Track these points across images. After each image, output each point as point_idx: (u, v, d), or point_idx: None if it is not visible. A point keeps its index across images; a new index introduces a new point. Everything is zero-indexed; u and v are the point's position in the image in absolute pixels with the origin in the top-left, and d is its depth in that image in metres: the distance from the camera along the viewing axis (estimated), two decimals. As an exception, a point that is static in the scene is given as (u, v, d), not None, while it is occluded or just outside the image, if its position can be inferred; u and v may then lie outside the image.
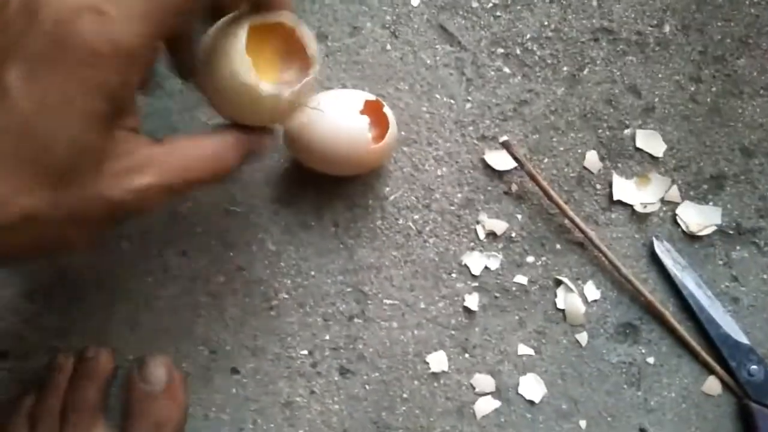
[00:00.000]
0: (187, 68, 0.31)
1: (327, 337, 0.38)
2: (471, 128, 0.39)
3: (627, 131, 0.39)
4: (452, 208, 0.38)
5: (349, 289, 0.38)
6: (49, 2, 0.22)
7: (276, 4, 0.28)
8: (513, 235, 0.38)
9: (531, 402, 0.37)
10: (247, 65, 0.26)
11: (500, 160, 0.38)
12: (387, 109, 0.34)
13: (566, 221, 0.38)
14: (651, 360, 0.38)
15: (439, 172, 0.38)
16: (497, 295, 0.38)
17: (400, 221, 0.38)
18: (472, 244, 0.38)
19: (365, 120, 0.33)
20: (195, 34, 0.29)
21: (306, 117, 0.33)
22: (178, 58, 0.31)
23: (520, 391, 0.37)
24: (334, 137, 0.33)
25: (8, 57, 0.22)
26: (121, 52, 0.22)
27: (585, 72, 0.39)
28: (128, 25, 0.22)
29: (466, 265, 0.38)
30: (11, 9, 0.22)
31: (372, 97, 0.34)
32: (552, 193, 0.37)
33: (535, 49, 0.39)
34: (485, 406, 0.37)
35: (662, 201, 0.38)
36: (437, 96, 0.39)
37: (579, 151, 0.39)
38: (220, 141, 0.28)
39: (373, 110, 0.34)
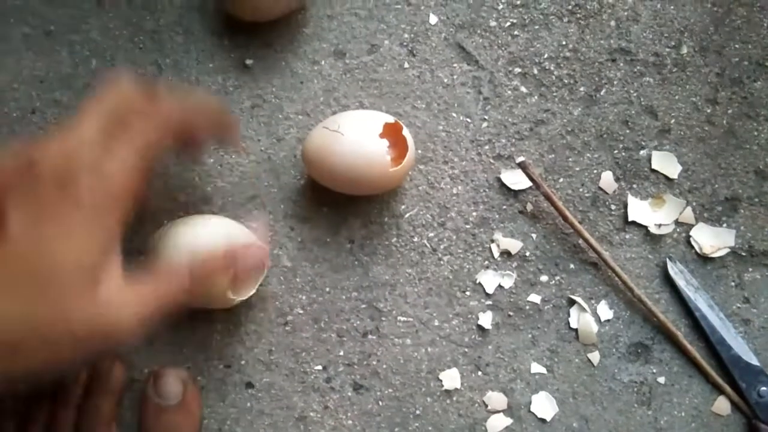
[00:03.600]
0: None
1: (341, 353, 0.38)
2: (487, 147, 0.39)
3: (643, 152, 0.39)
4: (467, 226, 0.39)
5: (363, 306, 0.38)
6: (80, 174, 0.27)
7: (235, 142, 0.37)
8: (527, 254, 0.38)
9: (543, 420, 0.38)
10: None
11: (516, 180, 0.38)
12: (406, 132, 0.35)
13: (580, 241, 0.38)
14: (662, 380, 0.38)
15: (454, 191, 0.39)
16: (511, 313, 0.38)
17: (416, 239, 0.38)
18: (486, 262, 0.38)
19: (384, 143, 0.33)
20: None
21: (326, 139, 0.33)
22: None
23: (532, 409, 0.38)
24: (353, 160, 0.33)
25: (17, 203, 0.26)
26: (112, 197, 0.27)
27: (602, 92, 0.39)
28: (117, 179, 0.28)
29: (480, 284, 0.38)
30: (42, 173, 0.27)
31: (391, 120, 0.34)
32: (567, 213, 0.37)
33: (552, 68, 0.39)
34: (497, 423, 0.38)
35: (676, 222, 0.39)
36: (454, 114, 0.39)
37: (594, 171, 0.39)
38: (177, 274, 0.30)
39: (392, 132, 0.34)
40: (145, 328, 0.28)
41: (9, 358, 0.25)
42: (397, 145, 0.35)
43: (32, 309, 0.25)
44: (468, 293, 0.38)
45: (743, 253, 0.39)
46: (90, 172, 0.27)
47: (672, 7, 0.40)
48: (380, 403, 0.38)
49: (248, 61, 0.39)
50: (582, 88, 0.39)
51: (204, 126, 0.33)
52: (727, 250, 0.39)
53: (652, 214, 0.39)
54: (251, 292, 0.35)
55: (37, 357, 0.26)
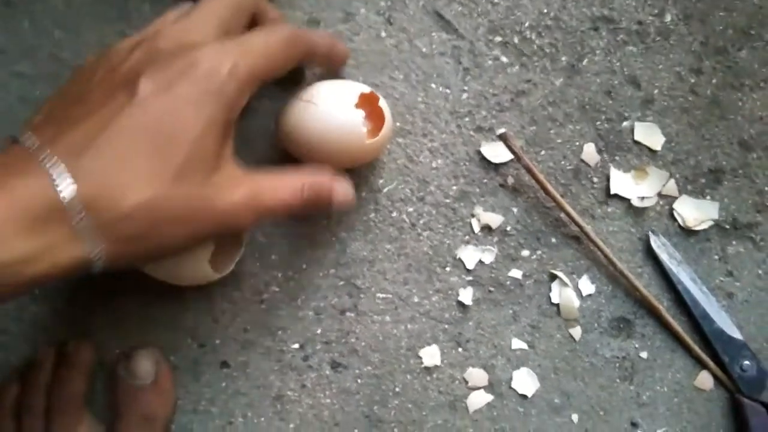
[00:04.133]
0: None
1: (319, 331, 0.37)
2: (467, 119, 0.38)
3: (626, 123, 0.38)
4: (447, 200, 0.38)
5: (341, 283, 0.37)
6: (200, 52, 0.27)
7: (338, 69, 0.37)
8: (508, 228, 0.38)
9: (524, 396, 0.37)
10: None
11: (496, 152, 0.37)
12: (383, 102, 0.33)
13: (562, 215, 0.37)
14: (644, 354, 0.38)
15: (434, 164, 0.38)
16: (491, 289, 0.37)
17: (394, 214, 0.38)
18: (466, 237, 0.38)
19: (360, 114, 0.32)
20: None
21: (300, 110, 0.32)
22: None
23: (513, 386, 0.37)
24: (328, 132, 0.32)
25: (143, 71, 0.26)
26: (238, 74, 0.27)
27: (584, 62, 0.38)
28: (245, 58, 0.27)
29: (460, 259, 0.37)
30: (162, 42, 0.28)
31: (367, 90, 0.33)
32: (548, 186, 0.37)
33: (533, 38, 0.38)
34: (478, 400, 0.37)
35: (659, 195, 0.38)
36: (433, 85, 0.38)
37: (577, 143, 0.38)
38: (300, 177, 0.30)
39: (368, 103, 0.33)
40: (255, 221, 0.28)
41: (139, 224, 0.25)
42: (374, 116, 0.34)
43: (161, 166, 0.25)
44: (448, 269, 0.37)
45: (726, 226, 0.38)
46: (212, 50, 0.27)
47: (656, -25, 0.39)
48: (359, 381, 0.37)
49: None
50: (564, 58, 0.38)
51: (323, 45, 0.32)
52: (711, 222, 0.38)
53: (634, 186, 0.38)
54: (230, 269, 0.34)
55: (171, 231, 0.26)
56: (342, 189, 0.31)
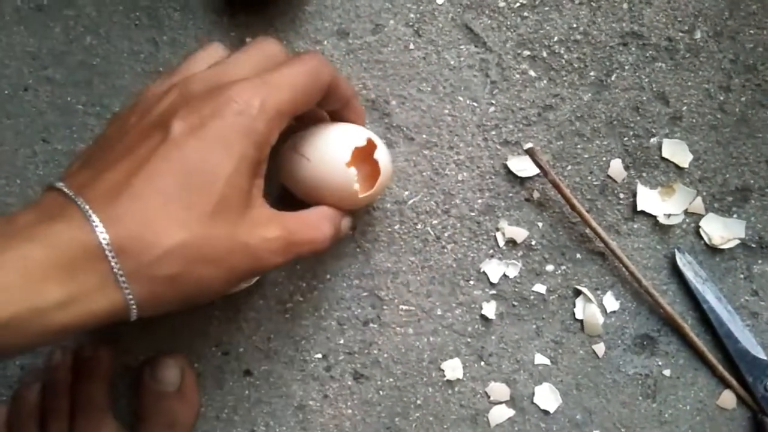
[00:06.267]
0: None
1: (341, 342, 0.37)
2: (494, 132, 0.38)
3: (653, 140, 0.38)
4: (472, 213, 0.38)
5: (365, 294, 0.37)
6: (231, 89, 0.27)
7: (354, 120, 0.34)
8: (533, 243, 0.38)
9: (546, 412, 0.37)
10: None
11: (523, 166, 0.37)
12: (380, 153, 0.32)
13: (587, 230, 0.37)
14: (667, 372, 0.38)
15: (459, 177, 0.38)
16: (515, 303, 0.37)
17: (419, 226, 0.38)
18: (491, 251, 0.38)
19: (352, 173, 0.31)
20: None
21: (293, 163, 0.32)
22: None
23: (535, 401, 0.37)
24: (319, 188, 0.31)
25: (176, 113, 0.26)
26: (267, 110, 0.27)
27: (612, 78, 0.38)
28: (273, 93, 0.27)
29: (484, 273, 0.37)
30: (194, 87, 0.28)
31: (364, 141, 0.32)
32: (574, 201, 0.37)
33: (562, 52, 0.38)
34: (499, 414, 0.37)
35: (686, 212, 0.38)
36: (460, 98, 0.38)
37: (604, 159, 0.38)
38: (323, 213, 0.31)
39: (364, 155, 0.32)
40: (287, 260, 0.28)
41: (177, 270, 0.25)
42: (369, 168, 0.32)
43: (194, 207, 0.25)
44: (472, 282, 0.37)
45: (753, 245, 0.38)
46: (243, 87, 0.27)
47: (686, -9, 0.39)
48: (381, 392, 0.37)
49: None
50: (592, 73, 0.38)
51: (345, 87, 0.32)
52: (737, 241, 0.38)
53: (661, 203, 0.38)
54: (254, 279, 0.34)
55: (205, 272, 0.26)
56: (347, 224, 0.33)
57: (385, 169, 0.32)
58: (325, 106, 0.32)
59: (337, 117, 0.34)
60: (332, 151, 0.31)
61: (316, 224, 0.30)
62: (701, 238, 0.38)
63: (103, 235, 0.24)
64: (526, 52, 0.38)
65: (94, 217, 0.24)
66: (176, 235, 0.24)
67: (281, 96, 0.27)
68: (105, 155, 0.27)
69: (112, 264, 0.24)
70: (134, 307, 0.25)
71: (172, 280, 0.25)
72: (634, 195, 0.38)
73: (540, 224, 0.38)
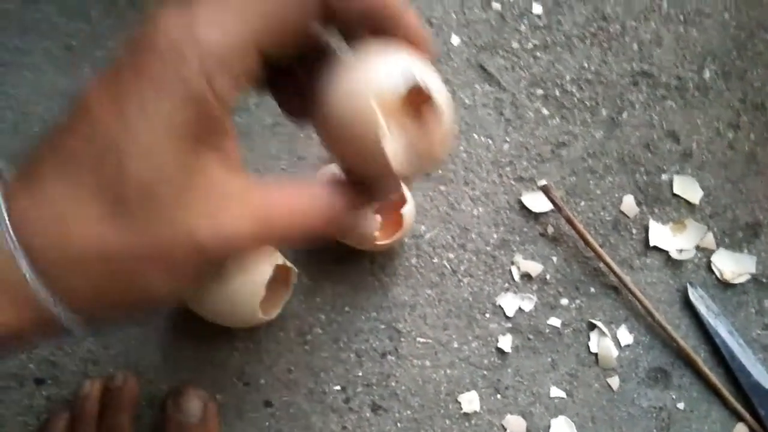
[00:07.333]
0: (296, 107, 0.25)
1: (360, 374, 0.38)
2: (508, 169, 0.39)
3: (664, 176, 0.39)
4: (488, 248, 0.38)
5: (382, 326, 0.38)
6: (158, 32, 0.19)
7: (402, 32, 0.21)
8: (548, 277, 0.38)
9: (561, 444, 0.38)
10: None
11: (537, 202, 0.38)
12: (408, 208, 0.33)
13: (601, 265, 0.38)
14: (681, 405, 0.38)
15: (475, 212, 0.39)
16: (530, 336, 0.38)
17: (435, 260, 0.38)
18: (506, 285, 0.38)
19: (377, 221, 0.32)
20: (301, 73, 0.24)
21: None
22: (283, 96, 0.25)
23: (550, 433, 0.38)
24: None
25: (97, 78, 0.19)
26: (208, 53, 0.18)
27: (624, 116, 0.39)
28: (218, 26, 0.18)
29: (500, 306, 0.38)
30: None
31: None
32: (588, 236, 0.37)
33: (574, 91, 0.39)
34: (515, 447, 0.37)
35: (697, 248, 0.39)
36: (475, 136, 0.39)
37: (616, 195, 0.39)
38: (322, 194, 0.22)
39: (391, 209, 0.34)
40: (259, 248, 0.21)
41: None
42: (392, 220, 0.34)
43: (107, 200, 0.19)
44: (488, 315, 0.38)
45: (764, 280, 0.39)
46: (168, 16, 0.19)
47: (695, 31, 0.40)
48: (399, 424, 0.38)
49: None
50: (604, 111, 0.39)
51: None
52: (748, 276, 0.38)
53: (673, 239, 0.39)
54: (278, 311, 0.35)
55: (150, 271, 0.19)
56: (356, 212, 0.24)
57: (407, 225, 0.33)
58: (352, 23, 0.21)
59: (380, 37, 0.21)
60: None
61: (309, 203, 0.22)
62: (713, 272, 0.39)
63: (8, 237, 0.18)
64: (540, 91, 0.39)
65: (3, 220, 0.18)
66: (93, 237, 0.19)
67: (228, 20, 0.19)
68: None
69: (24, 270, 0.18)
70: (67, 318, 0.19)
71: (101, 291, 0.20)
72: (647, 230, 0.39)
73: (554, 258, 0.39)
